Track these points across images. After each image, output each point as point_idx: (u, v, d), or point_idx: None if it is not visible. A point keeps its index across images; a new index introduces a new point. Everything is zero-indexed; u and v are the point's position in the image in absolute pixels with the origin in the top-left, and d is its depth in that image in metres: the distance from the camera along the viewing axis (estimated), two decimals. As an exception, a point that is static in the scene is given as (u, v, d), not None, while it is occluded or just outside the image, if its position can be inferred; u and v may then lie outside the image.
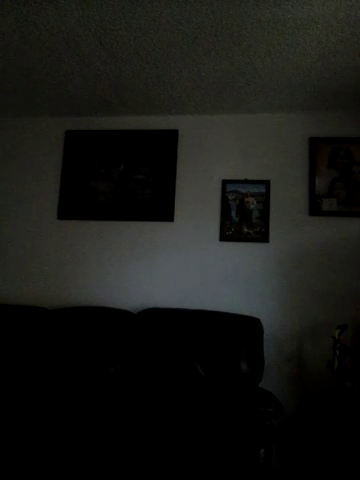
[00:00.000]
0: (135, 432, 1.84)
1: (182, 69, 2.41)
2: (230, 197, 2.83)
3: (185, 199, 2.89)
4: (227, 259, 2.80)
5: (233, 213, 2.82)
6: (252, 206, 2.80)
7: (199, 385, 2.31)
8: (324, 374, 2.52)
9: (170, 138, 2.95)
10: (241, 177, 2.85)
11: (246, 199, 2.81)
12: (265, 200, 2.79)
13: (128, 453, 1.76)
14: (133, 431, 1.85)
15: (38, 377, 2.43)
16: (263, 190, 2.81)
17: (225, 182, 2.85)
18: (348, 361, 2.41)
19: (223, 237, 2.81)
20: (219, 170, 2.88)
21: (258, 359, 2.40)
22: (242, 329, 2.45)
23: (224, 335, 2.42)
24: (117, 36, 2.15)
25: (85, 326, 2.54)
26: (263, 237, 2.76)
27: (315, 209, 2.74)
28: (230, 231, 2.81)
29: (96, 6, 1.95)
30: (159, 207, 2.89)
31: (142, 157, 2.96)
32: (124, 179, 2.96)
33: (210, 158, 2.91)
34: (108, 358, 2.42)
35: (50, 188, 3.05)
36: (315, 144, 2.79)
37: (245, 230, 2.79)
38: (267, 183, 2.80)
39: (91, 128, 3.06)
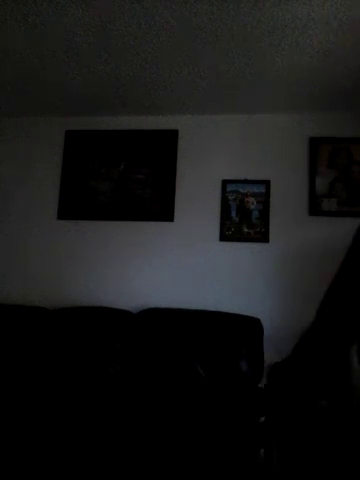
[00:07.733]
0: (135, 432, 1.85)
1: (182, 69, 2.41)
2: (230, 197, 2.83)
3: (185, 199, 2.88)
4: (227, 259, 2.80)
5: (233, 213, 2.81)
6: (252, 206, 2.80)
7: (199, 385, 2.31)
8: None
9: (170, 138, 2.94)
10: (241, 177, 2.85)
11: (246, 199, 2.81)
12: (265, 200, 2.79)
13: (128, 453, 1.76)
14: (133, 431, 1.85)
15: (38, 377, 2.43)
16: (263, 190, 2.80)
17: (225, 182, 2.85)
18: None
19: (223, 237, 2.81)
20: (219, 170, 2.88)
21: (258, 359, 2.40)
22: (242, 329, 2.45)
23: (224, 335, 2.42)
24: (117, 36, 2.15)
25: (85, 326, 2.54)
26: (263, 237, 2.76)
27: (315, 209, 2.74)
28: (230, 231, 2.80)
29: (96, 6, 1.95)
30: (159, 207, 2.89)
31: (142, 157, 2.96)
32: (124, 179, 2.96)
33: (210, 158, 2.91)
34: (108, 358, 2.42)
35: (50, 188, 3.04)
36: (315, 144, 2.79)
37: (245, 230, 2.79)
38: (267, 183, 2.80)
39: (91, 128, 3.06)
